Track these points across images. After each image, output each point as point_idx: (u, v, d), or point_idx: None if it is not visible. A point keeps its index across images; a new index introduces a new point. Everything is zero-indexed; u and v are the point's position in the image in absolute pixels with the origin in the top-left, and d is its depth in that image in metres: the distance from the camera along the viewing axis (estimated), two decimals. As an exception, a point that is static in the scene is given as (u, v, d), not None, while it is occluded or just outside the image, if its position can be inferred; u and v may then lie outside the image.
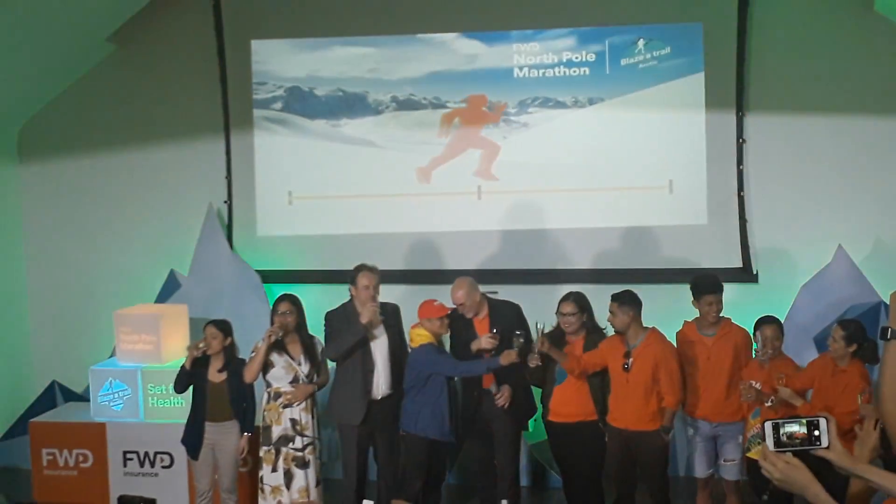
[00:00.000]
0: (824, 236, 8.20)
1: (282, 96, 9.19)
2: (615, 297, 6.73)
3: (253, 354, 6.94)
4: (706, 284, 6.88)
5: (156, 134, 9.34)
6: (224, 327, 7.07)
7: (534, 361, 6.74)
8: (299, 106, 9.16)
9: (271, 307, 7.19)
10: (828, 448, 2.81)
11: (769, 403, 6.20)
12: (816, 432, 2.80)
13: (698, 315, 6.95)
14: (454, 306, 6.97)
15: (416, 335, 6.91)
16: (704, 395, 6.80)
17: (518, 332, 6.70)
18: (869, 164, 8.34)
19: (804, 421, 2.80)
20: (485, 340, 6.85)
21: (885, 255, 8.20)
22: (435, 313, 6.85)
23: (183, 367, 7.00)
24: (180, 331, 8.40)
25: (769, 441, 2.80)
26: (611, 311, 6.72)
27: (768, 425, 2.82)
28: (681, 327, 7.03)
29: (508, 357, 6.61)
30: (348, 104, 9.10)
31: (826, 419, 2.81)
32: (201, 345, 6.96)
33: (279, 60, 9.17)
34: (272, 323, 7.01)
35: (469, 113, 8.91)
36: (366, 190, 9.06)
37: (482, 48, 8.89)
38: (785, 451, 2.79)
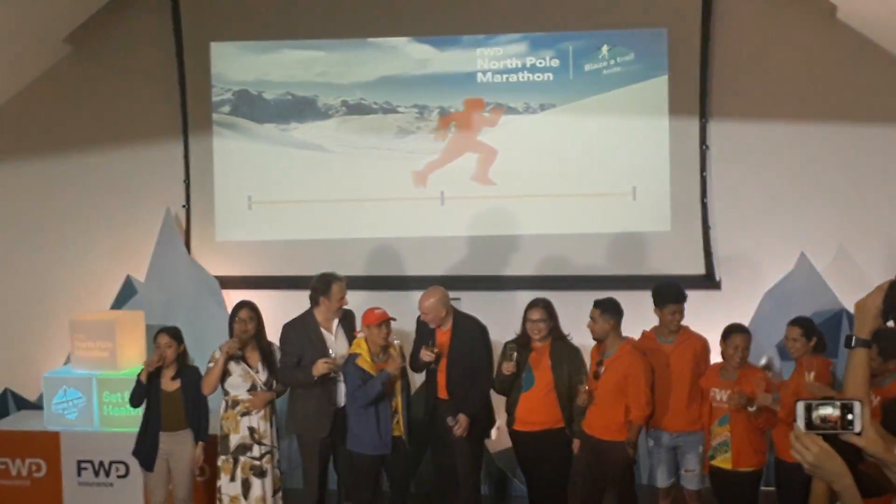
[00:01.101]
0: (787, 243, 8.21)
1: (230, 100, 9.08)
2: (598, 304, 6.69)
3: (210, 365, 6.82)
4: (669, 293, 6.84)
5: (113, 136, 9.20)
6: (176, 334, 6.97)
7: (508, 369, 6.68)
8: (248, 110, 9.07)
9: (230, 314, 7.08)
10: (860, 434, 2.69)
11: (753, 408, 6.16)
12: (850, 416, 2.68)
13: (657, 324, 6.92)
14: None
15: (355, 343, 6.83)
16: (664, 405, 6.74)
17: (510, 343, 6.80)
18: (831, 172, 8.37)
19: (838, 403, 2.68)
20: (423, 354, 6.80)
21: (847, 263, 8.22)
22: (372, 320, 6.68)
23: (139, 380, 6.86)
24: (137, 337, 8.26)
25: (800, 422, 2.69)
26: (592, 318, 6.67)
27: (800, 405, 2.71)
28: (639, 337, 6.99)
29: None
30: (298, 108, 9.01)
31: (860, 403, 2.69)
32: (156, 359, 6.84)
33: (227, 63, 9.06)
34: (230, 329, 6.91)
35: (466, 117, 8.84)
36: (327, 195, 8.97)
37: (433, 52, 8.82)
38: (816, 434, 2.68)
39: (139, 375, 6.87)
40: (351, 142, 8.94)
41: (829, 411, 2.68)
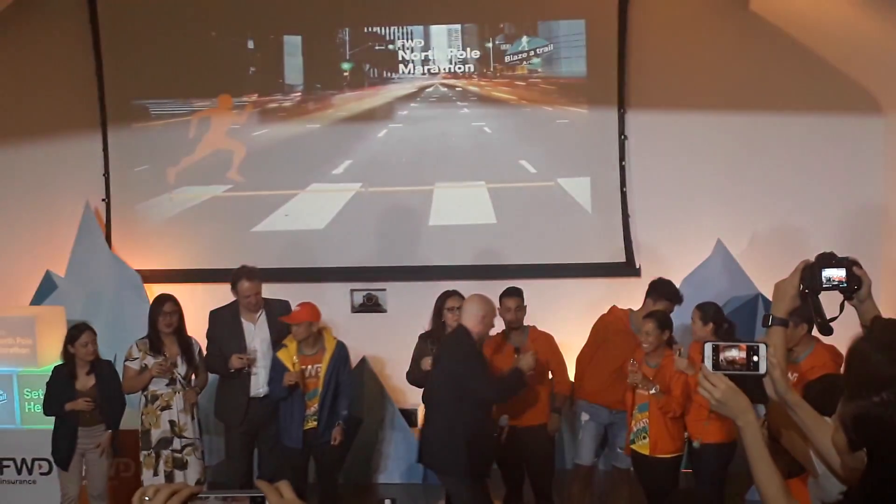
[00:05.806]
0: (704, 231, 8.35)
1: None
2: (518, 293, 6.80)
3: (129, 364, 6.82)
4: (671, 292, 6.88)
5: (29, 130, 9.02)
6: (93, 330, 6.90)
7: (427, 364, 6.71)
8: None
9: (151, 305, 7.04)
10: (765, 375, 2.83)
11: (653, 391, 6.26)
12: (755, 358, 2.80)
13: (635, 309, 6.99)
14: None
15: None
16: (614, 384, 6.80)
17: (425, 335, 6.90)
18: (745, 160, 8.52)
19: (744, 346, 2.81)
20: (525, 361, 6.31)
21: (761, 249, 8.38)
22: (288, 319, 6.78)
23: (56, 389, 6.78)
24: (57, 333, 8.08)
25: (708, 362, 2.80)
26: (509, 308, 6.76)
27: (708, 346, 2.82)
28: (607, 311, 7.10)
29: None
30: None
31: (765, 345, 2.82)
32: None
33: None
34: (153, 321, 6.86)
35: (218, 113, 8.93)
36: (246, 187, 8.97)
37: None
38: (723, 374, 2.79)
39: (55, 386, 6.81)
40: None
41: (734, 354, 2.81)
